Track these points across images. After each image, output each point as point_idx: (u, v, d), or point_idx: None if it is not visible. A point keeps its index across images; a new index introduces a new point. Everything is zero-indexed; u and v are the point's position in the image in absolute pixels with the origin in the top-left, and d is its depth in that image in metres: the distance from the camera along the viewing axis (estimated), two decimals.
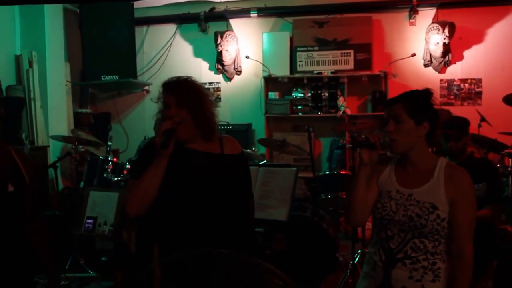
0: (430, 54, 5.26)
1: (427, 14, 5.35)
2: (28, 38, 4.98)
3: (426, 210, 1.65)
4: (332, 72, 5.35)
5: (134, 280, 1.89)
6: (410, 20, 5.43)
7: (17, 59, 4.95)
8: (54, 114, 5.12)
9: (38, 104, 4.91)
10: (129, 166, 4.09)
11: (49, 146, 4.92)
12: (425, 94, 1.74)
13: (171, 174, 1.74)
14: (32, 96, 4.86)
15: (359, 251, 3.77)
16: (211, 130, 1.83)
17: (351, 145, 1.86)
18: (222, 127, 5.34)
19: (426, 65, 5.33)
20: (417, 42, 5.36)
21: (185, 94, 1.76)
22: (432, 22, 5.24)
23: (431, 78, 5.30)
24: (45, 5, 4.92)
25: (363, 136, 1.75)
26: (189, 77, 1.84)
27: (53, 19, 5.13)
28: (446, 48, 5.16)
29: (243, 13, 5.69)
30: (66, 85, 5.43)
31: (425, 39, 5.27)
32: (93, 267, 3.85)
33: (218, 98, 5.81)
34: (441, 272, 1.68)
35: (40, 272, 2.04)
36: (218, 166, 1.81)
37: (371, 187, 1.78)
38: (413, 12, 5.32)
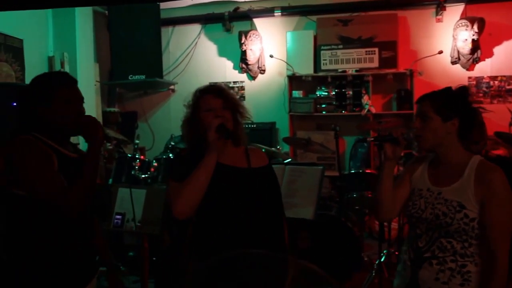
0: (458, 51, 5.17)
1: (455, 10, 5.26)
2: (60, 40, 5.13)
3: (453, 208, 1.60)
4: (356, 71, 5.32)
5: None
6: (437, 17, 5.34)
7: (50, 60, 5.11)
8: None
9: None
10: (156, 164, 4.17)
11: (78, 143, 5.06)
12: (458, 91, 1.71)
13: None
14: None
15: (384, 251, 3.75)
16: (239, 137, 1.88)
17: (373, 139, 1.88)
18: (246, 126, 5.37)
19: (453, 63, 5.24)
20: (444, 39, 5.27)
21: (229, 97, 1.85)
22: (460, 18, 5.15)
23: (459, 75, 5.20)
24: (76, 8, 5.06)
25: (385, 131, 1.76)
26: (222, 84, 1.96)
27: (83, 21, 5.27)
28: (475, 45, 5.06)
29: (267, 12, 5.72)
30: (95, 85, 5.57)
31: (453, 36, 5.18)
32: (121, 261, 3.95)
33: (242, 97, 5.86)
34: (472, 276, 1.60)
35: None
36: (246, 181, 1.82)
37: (403, 184, 1.77)
38: (440, 8, 5.23)
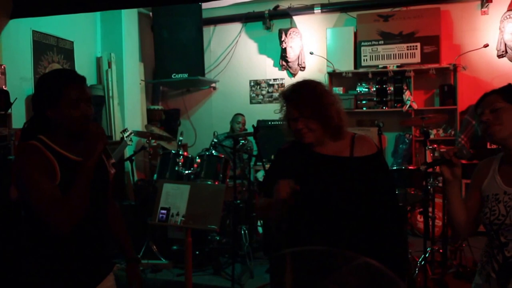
0: (505, 44, 4.99)
1: (501, 2, 5.08)
2: (107, 41, 5.39)
3: None
4: (397, 66, 5.26)
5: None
6: (482, 10, 5.18)
7: (98, 60, 5.36)
8: (130, 111, 5.49)
9: (115, 102, 5.29)
10: (199, 160, 4.28)
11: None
12: None
13: (300, 180, 1.71)
14: (110, 94, 5.25)
15: (428, 249, 3.69)
16: (338, 130, 1.77)
17: (426, 166, 1.76)
18: (281, 123, 5.41)
19: (500, 56, 5.06)
20: (490, 32, 5.11)
21: (309, 107, 1.71)
22: (508, 10, 4.97)
23: (505, 69, 5.01)
24: (122, 10, 5.27)
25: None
26: (306, 82, 1.79)
27: (129, 23, 5.49)
28: None
29: (307, 9, 5.74)
30: (140, 83, 5.79)
31: (499, 28, 5.01)
32: (165, 255, 4.08)
33: None
34: None
35: (119, 257, 2.12)
36: (346, 170, 1.72)
37: (473, 195, 1.67)
38: (486, 0, 5.08)
